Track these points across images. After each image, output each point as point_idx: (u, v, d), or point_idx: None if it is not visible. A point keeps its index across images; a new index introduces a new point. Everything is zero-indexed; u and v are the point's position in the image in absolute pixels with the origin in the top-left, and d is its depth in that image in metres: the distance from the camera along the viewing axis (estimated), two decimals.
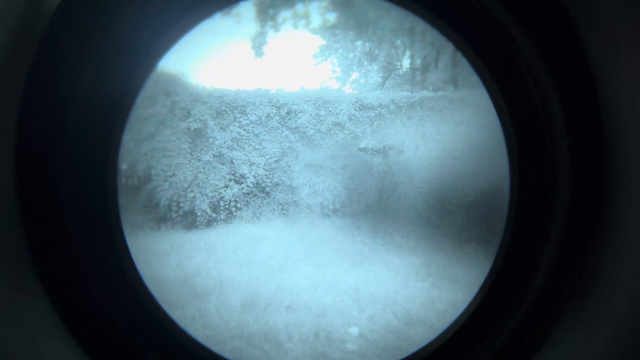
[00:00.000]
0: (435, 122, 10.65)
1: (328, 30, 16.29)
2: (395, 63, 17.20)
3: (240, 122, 9.46)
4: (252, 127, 9.54)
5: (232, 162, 9.32)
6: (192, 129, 8.75)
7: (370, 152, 11.17)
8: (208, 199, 8.89)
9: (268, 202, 9.54)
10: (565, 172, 0.83)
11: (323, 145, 9.95)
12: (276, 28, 15.13)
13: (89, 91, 0.77)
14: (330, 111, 10.01)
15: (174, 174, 8.68)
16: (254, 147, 9.57)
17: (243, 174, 9.37)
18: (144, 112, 8.41)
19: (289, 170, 9.70)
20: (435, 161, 10.52)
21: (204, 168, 8.98)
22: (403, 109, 10.38)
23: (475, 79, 0.90)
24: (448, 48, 13.10)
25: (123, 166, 8.50)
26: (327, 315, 4.23)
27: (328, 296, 4.73)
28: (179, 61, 8.88)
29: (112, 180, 0.83)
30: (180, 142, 8.74)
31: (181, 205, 8.66)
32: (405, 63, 16.97)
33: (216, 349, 0.94)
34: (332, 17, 16.60)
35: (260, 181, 9.53)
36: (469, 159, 10.40)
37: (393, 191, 10.23)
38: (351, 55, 17.24)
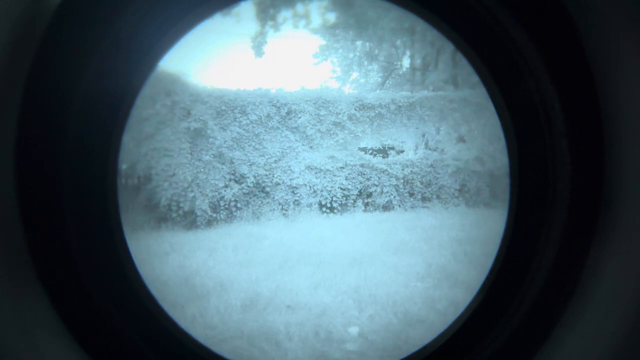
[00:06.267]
0: (435, 122, 10.65)
1: (328, 30, 16.31)
2: (395, 63, 17.23)
3: (240, 122, 9.47)
4: (252, 127, 9.54)
5: (232, 162, 9.32)
6: (192, 129, 8.75)
7: (370, 151, 11.18)
8: (208, 199, 8.89)
9: (268, 202, 9.54)
10: (565, 172, 0.83)
11: (323, 145, 9.95)
12: (276, 28, 15.16)
13: (89, 91, 0.77)
14: (330, 111, 10.01)
15: (174, 174, 8.68)
16: (254, 147, 9.57)
17: (243, 173, 9.37)
18: (144, 112, 8.41)
19: (289, 170, 9.71)
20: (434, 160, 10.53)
21: (204, 168, 8.98)
22: (403, 109, 10.38)
23: (475, 79, 0.90)
24: (448, 48, 13.10)
25: (123, 166, 8.50)
26: (327, 315, 4.23)
27: (328, 296, 4.73)
28: (179, 61, 8.89)
29: (112, 180, 0.83)
30: (180, 142, 8.74)
31: (181, 205, 8.67)
32: (405, 63, 17.00)
33: (216, 349, 0.94)
34: (332, 17, 16.64)
35: (260, 181, 9.54)
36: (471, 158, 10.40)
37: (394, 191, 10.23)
38: (351, 55, 17.27)
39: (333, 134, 10.05)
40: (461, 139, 10.71)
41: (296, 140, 9.88)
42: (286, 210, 9.58)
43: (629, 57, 0.75)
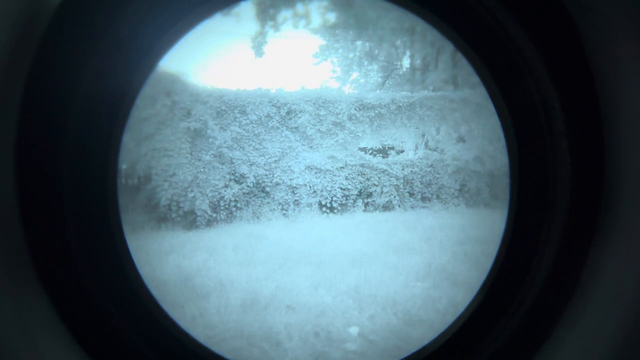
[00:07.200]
0: (435, 122, 10.66)
1: (328, 30, 16.32)
2: (395, 63, 17.23)
3: (240, 122, 9.47)
4: (252, 127, 9.54)
5: (232, 162, 9.33)
6: (192, 129, 8.75)
7: (370, 151, 11.18)
8: (208, 199, 8.89)
9: (268, 202, 9.54)
10: (565, 172, 0.83)
11: (323, 145, 9.96)
12: (276, 28, 15.16)
13: (89, 91, 0.77)
14: (330, 111, 10.01)
15: (174, 174, 8.68)
16: (254, 147, 9.57)
17: (243, 173, 9.37)
18: (144, 112, 8.41)
19: (289, 170, 9.71)
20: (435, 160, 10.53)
21: (204, 168, 8.98)
22: (403, 108, 10.38)
23: (475, 79, 0.90)
24: (448, 48, 13.10)
25: (123, 166, 8.51)
26: (327, 315, 4.23)
27: (328, 296, 4.73)
28: (179, 61, 8.89)
29: (112, 180, 0.83)
30: (180, 142, 8.74)
31: (181, 205, 8.67)
32: (405, 63, 17.01)
33: (216, 349, 0.94)
34: (332, 17, 16.66)
35: (260, 181, 9.54)
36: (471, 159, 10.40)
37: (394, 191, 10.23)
38: (351, 55, 17.27)
39: (333, 134, 10.05)
40: (461, 139, 10.71)
41: (296, 140, 9.88)
42: (286, 210, 9.58)
43: (629, 57, 0.75)
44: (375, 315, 4.24)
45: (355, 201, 10.01)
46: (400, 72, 17.12)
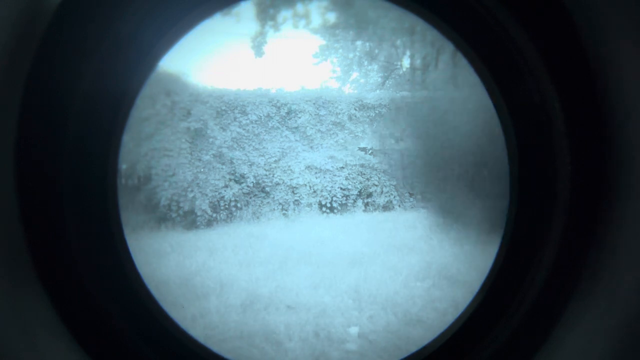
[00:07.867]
0: (435, 122, 10.65)
1: (328, 30, 16.27)
2: (395, 63, 17.19)
3: (240, 122, 9.47)
4: (252, 127, 9.54)
5: (232, 162, 9.32)
6: (192, 129, 8.75)
7: (370, 151, 11.18)
8: (208, 199, 8.89)
9: (268, 202, 9.54)
10: (565, 172, 0.83)
11: (323, 145, 9.96)
12: (276, 28, 15.13)
13: (89, 91, 0.77)
14: (330, 111, 10.01)
15: (174, 174, 8.68)
16: (254, 147, 9.57)
17: (243, 173, 9.37)
18: (144, 112, 8.41)
19: (289, 170, 9.71)
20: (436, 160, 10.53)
21: (204, 168, 8.98)
22: (403, 109, 10.37)
23: (475, 78, 0.90)
24: (448, 48, 13.11)
25: (123, 166, 8.50)
26: (327, 315, 4.23)
27: (328, 296, 4.73)
28: (179, 61, 8.88)
29: (112, 180, 0.83)
30: (180, 142, 8.74)
31: (181, 205, 8.66)
32: (405, 63, 16.97)
33: (216, 349, 0.94)
34: (332, 17, 16.61)
35: (260, 181, 9.53)
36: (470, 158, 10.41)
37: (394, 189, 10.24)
38: (351, 55, 17.22)
39: (333, 134, 10.05)
40: None
41: (296, 140, 9.88)
42: (286, 210, 9.58)
43: (629, 57, 0.75)
44: (375, 315, 4.24)
45: (355, 201, 10.01)
46: (400, 72, 17.11)
